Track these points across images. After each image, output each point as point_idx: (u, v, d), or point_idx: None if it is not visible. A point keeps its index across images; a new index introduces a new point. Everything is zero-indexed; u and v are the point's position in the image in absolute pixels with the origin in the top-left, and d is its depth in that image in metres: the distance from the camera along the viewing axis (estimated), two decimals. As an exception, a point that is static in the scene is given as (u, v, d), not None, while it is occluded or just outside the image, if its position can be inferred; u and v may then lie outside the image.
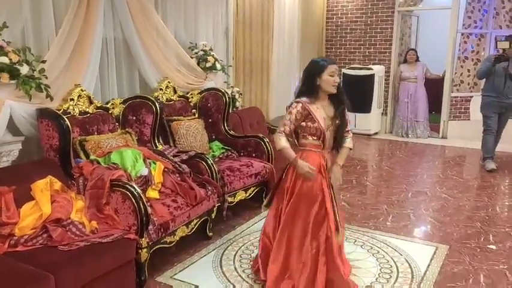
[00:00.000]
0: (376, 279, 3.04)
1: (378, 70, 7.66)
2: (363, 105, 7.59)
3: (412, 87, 7.61)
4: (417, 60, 7.64)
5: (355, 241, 3.61)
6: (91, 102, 3.54)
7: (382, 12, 7.90)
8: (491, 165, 5.61)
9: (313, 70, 2.79)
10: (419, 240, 3.70)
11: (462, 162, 6.38)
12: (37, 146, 3.35)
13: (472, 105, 7.59)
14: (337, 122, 2.83)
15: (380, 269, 3.16)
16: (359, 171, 5.76)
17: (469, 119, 7.63)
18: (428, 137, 7.69)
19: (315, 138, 2.80)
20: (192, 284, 2.98)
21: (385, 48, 7.97)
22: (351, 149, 2.89)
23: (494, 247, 3.52)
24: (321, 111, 2.79)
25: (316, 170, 2.75)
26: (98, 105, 3.62)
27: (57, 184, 2.84)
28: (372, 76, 7.57)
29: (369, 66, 7.78)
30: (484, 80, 5.81)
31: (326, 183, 2.79)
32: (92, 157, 3.14)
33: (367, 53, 8.13)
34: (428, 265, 3.21)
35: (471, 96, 7.59)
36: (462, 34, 7.55)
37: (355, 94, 7.76)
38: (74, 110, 3.38)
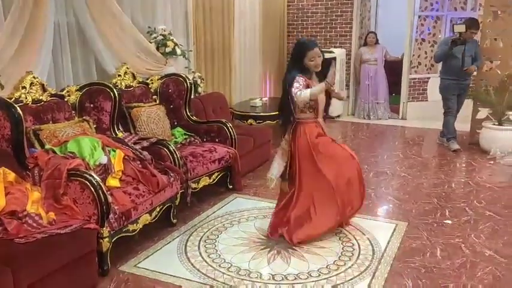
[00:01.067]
0: (339, 257, 3.11)
1: (339, 53, 7.73)
2: (324, 89, 7.64)
3: (373, 69, 7.74)
4: (377, 42, 7.76)
5: (319, 222, 3.67)
6: (44, 90, 3.42)
7: (341, -5, 7.95)
8: (455, 145, 5.74)
9: (298, 54, 3.20)
10: (380, 218, 3.80)
11: (421, 142, 6.57)
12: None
13: (430, 86, 7.81)
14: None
15: (342, 248, 3.24)
16: (322, 153, 5.82)
17: (427, 100, 7.85)
18: (389, 118, 7.87)
19: (311, 110, 3.24)
20: (157, 272, 2.96)
21: (346, 31, 8.03)
22: None
23: (450, 222, 3.66)
24: (316, 84, 3.19)
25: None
26: (52, 92, 3.49)
27: (11, 175, 2.74)
28: (333, 59, 7.62)
29: (331, 49, 7.83)
30: (441, 62, 5.96)
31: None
32: (47, 146, 3.04)
33: (328, 36, 8.18)
34: (389, 241, 3.32)
35: (428, 78, 7.80)
36: (419, 17, 7.70)
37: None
38: (26, 98, 3.26)
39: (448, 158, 5.48)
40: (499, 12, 5.85)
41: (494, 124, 5.56)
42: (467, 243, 3.27)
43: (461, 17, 7.72)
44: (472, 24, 5.49)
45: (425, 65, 7.90)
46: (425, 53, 7.84)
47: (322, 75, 3.22)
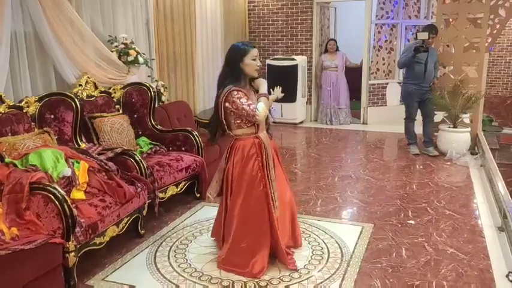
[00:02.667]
0: (309, 261, 3.14)
1: (300, 60, 7.86)
2: (287, 95, 7.67)
3: (334, 75, 7.92)
4: (337, 50, 7.96)
5: (287, 227, 3.70)
6: (2, 102, 3.29)
7: (301, 3, 8.11)
8: (415, 150, 5.89)
9: (236, 55, 2.85)
10: (347, 221, 3.88)
11: (382, 146, 6.77)
12: None
13: (388, 91, 8.09)
14: None
15: (312, 252, 3.28)
16: (288, 159, 5.90)
17: (386, 105, 8.12)
18: (351, 123, 8.07)
19: (249, 125, 2.89)
20: (126, 284, 2.89)
21: (306, 39, 8.19)
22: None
23: (413, 222, 3.78)
24: (252, 96, 2.90)
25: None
26: (11, 104, 3.36)
27: (-31, 191, 2.62)
28: (295, 66, 7.75)
29: (292, 56, 7.96)
30: (405, 69, 6.02)
31: (261, 164, 2.92)
32: (7, 160, 2.92)
33: (289, 44, 8.31)
34: (356, 244, 3.39)
35: (387, 83, 8.08)
36: (376, 25, 7.97)
37: (280, 84, 7.94)
38: (-17, 110, 3.12)
39: (408, 161, 5.67)
40: (450, 20, 6.15)
41: (449, 127, 5.81)
42: (430, 242, 3.40)
43: (415, 24, 8.08)
44: (430, 29, 5.65)
45: (384, 71, 8.17)
46: (383, 59, 8.11)
47: (254, 86, 2.97)
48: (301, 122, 8.11)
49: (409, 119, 6.00)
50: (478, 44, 5.97)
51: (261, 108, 2.80)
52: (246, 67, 2.84)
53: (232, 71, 2.86)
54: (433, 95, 5.79)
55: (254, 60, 2.85)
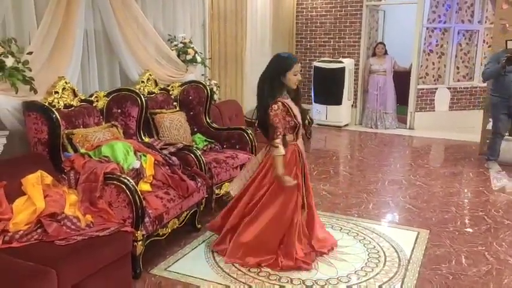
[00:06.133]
0: (366, 263, 3.15)
1: (348, 63, 7.82)
2: (333, 98, 7.75)
3: (381, 79, 7.84)
4: (386, 53, 7.87)
5: (341, 229, 3.72)
6: (75, 95, 3.46)
7: (350, 6, 8.07)
8: (496, 167, 5.42)
9: (280, 68, 2.92)
10: (401, 225, 3.85)
11: (430, 152, 6.66)
12: (19, 141, 3.24)
13: (437, 97, 7.93)
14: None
15: (368, 254, 3.28)
16: (335, 161, 5.90)
17: (434, 110, 7.96)
18: (397, 127, 7.96)
19: (291, 132, 2.95)
20: (188, 276, 2.99)
21: (354, 42, 8.14)
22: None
23: (471, 230, 3.72)
24: (293, 105, 2.96)
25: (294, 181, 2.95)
26: (82, 98, 3.54)
27: (48, 178, 2.77)
28: (342, 69, 7.72)
29: (339, 59, 7.93)
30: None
31: (299, 172, 3.01)
32: (82, 150, 3.08)
33: (336, 46, 8.28)
34: (413, 249, 3.36)
35: (436, 88, 7.93)
36: (427, 28, 7.83)
37: (326, 87, 7.95)
38: (58, 103, 3.29)
39: (460, 168, 5.55)
40: (507, 25, 5.97)
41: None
42: (490, 251, 3.33)
43: (468, 29, 7.88)
44: None
45: (433, 76, 8.01)
46: (433, 63, 7.95)
47: (294, 93, 3.03)
48: (346, 125, 8.05)
49: (496, 134, 5.43)
50: (537, 50, 5.76)
51: (281, 151, 2.86)
52: (287, 81, 2.91)
53: (272, 81, 2.90)
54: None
55: (296, 75, 2.92)
